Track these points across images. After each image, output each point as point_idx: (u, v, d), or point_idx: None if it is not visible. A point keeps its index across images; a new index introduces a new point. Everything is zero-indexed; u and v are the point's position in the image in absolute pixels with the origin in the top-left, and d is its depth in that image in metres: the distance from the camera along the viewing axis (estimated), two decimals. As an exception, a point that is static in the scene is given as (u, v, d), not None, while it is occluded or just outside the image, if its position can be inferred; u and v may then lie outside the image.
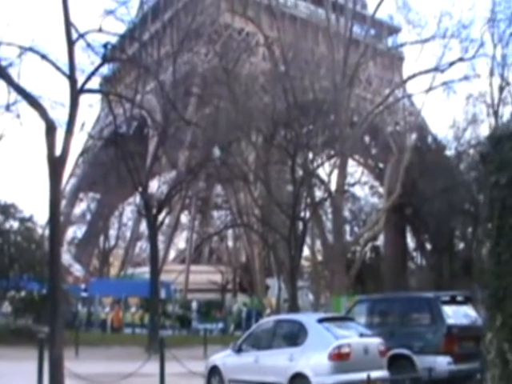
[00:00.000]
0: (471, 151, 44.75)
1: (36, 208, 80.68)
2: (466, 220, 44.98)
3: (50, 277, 16.88)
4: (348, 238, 49.53)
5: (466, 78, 42.98)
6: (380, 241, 51.38)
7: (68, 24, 17.86)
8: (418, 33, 44.33)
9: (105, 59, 21.65)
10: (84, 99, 44.22)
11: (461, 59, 42.36)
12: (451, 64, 42.72)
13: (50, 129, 16.86)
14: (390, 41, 69.05)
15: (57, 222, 17.59)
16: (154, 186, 50.12)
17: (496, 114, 44.11)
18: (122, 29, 36.28)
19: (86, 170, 76.75)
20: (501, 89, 44.39)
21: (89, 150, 70.84)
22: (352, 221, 54.50)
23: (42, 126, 17.02)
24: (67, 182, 78.94)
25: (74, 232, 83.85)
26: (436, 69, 43.18)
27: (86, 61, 21.12)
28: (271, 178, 42.85)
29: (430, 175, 41.75)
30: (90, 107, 44.79)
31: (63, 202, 67.02)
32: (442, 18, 41.94)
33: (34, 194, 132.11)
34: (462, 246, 48.23)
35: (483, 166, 10.63)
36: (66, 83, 17.67)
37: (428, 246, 49.74)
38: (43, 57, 18.45)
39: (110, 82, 44.85)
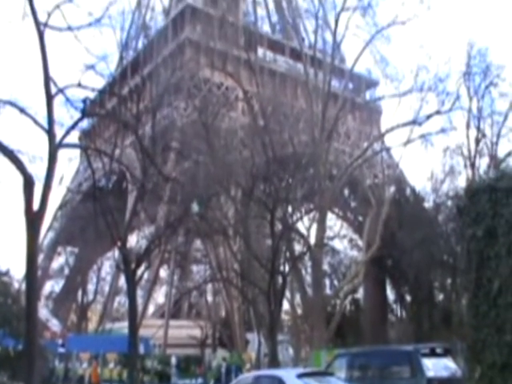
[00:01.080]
0: (449, 203, 44.92)
1: (13, 262, 79.88)
2: (445, 271, 44.97)
3: (26, 332, 16.71)
4: (328, 291, 49.31)
5: (443, 130, 43.46)
6: (360, 293, 51.16)
7: (47, 78, 17.97)
8: (395, 86, 45.07)
9: (84, 114, 21.74)
10: (63, 153, 44.22)
11: (438, 112, 42.88)
12: (428, 117, 43.19)
13: (28, 183, 16.84)
14: (368, 94, 69.99)
15: (34, 277, 17.46)
16: (132, 240, 49.92)
17: (473, 165, 44.57)
18: (101, 83, 36.72)
19: (64, 224, 76.30)
20: (477, 141, 44.97)
21: (67, 204, 70.67)
22: (331, 274, 54.23)
23: (19, 179, 16.99)
24: (45, 235, 78.61)
25: (52, 286, 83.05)
26: (413, 122, 43.60)
27: (66, 115, 21.22)
28: (250, 232, 42.69)
29: (409, 227, 41.86)
30: (69, 161, 44.79)
31: (41, 256, 66.76)
32: (418, 72, 42.54)
33: (11, 248, 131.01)
34: (441, 297, 48.09)
35: (460, 219, 10.69)
36: (45, 137, 17.70)
37: (408, 298, 49.55)
38: (22, 111, 18.50)
39: (89, 137, 44.82)
